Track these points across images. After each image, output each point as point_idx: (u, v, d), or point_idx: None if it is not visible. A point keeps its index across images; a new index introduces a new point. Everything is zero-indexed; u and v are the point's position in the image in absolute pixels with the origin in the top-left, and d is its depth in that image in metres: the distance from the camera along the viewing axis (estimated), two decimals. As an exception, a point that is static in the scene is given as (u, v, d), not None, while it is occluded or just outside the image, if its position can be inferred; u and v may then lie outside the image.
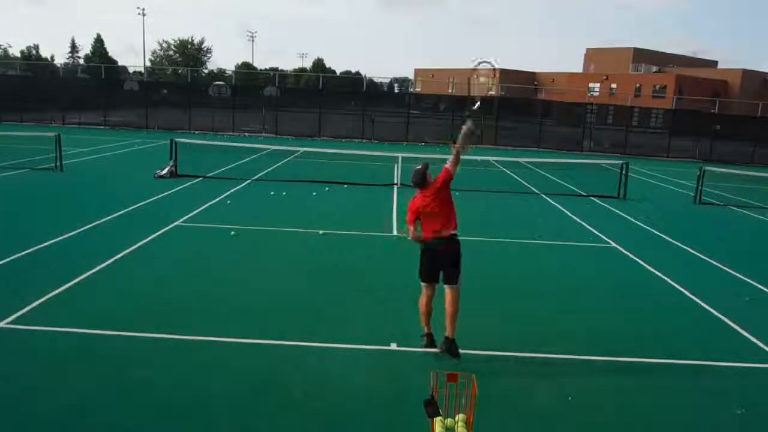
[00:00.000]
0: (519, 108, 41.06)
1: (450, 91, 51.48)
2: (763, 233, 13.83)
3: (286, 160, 21.87)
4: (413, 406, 4.83)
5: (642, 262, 10.04)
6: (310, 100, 38.45)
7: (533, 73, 74.78)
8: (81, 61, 75.34)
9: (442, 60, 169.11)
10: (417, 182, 6.00)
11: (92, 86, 39.02)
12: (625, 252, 10.71)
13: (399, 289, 7.56)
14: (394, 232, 11.22)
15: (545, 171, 22.22)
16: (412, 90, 62.20)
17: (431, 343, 6.04)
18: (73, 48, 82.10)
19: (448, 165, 5.93)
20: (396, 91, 60.55)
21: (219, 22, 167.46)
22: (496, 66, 5.86)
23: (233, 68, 75.15)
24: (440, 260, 5.89)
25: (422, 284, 6.03)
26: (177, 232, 10.50)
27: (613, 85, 61.76)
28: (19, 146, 20.76)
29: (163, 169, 16.34)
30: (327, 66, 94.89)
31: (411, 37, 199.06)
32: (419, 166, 6.04)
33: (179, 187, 14.82)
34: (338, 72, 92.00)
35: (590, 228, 12.61)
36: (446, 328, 5.87)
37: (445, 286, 5.89)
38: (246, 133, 33.38)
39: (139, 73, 64.42)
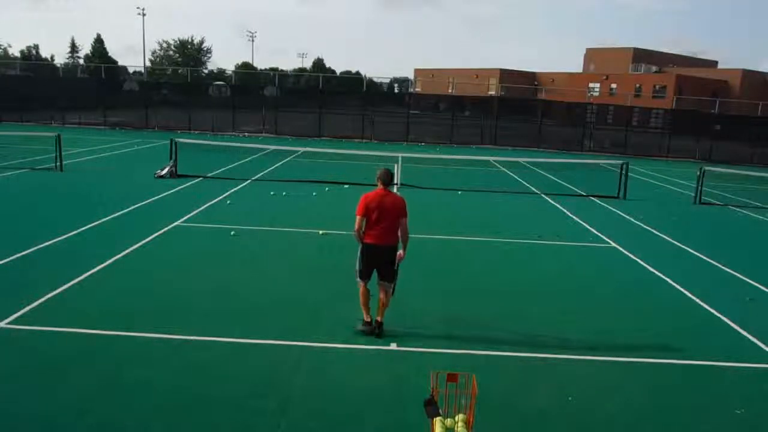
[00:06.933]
0: (519, 108, 41.01)
1: (450, 91, 51.40)
2: (763, 233, 13.83)
3: (286, 160, 21.86)
4: (413, 406, 4.84)
5: (642, 262, 10.03)
6: (310, 100, 38.33)
7: (533, 73, 74.73)
8: (81, 61, 75.31)
9: (442, 60, 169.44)
10: (387, 180, 6.37)
11: (92, 86, 38.92)
12: (625, 252, 10.70)
13: (398, 289, 7.53)
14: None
15: (545, 171, 22.22)
16: (412, 90, 62.20)
17: (370, 329, 6.39)
18: (73, 48, 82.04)
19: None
20: (396, 91, 60.43)
21: (219, 22, 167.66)
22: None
23: (233, 68, 75.09)
24: (378, 259, 6.33)
25: (360, 281, 6.45)
26: (177, 232, 10.50)
27: (613, 85, 61.68)
28: (19, 146, 20.77)
29: (163, 169, 16.34)
30: (327, 66, 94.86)
31: (411, 37, 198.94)
32: (385, 168, 6.46)
33: (179, 187, 14.82)
34: (338, 72, 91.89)
35: (590, 228, 12.61)
36: (378, 314, 6.42)
37: (382, 282, 6.37)
38: (246, 133, 33.37)
39: (139, 73, 64.40)
